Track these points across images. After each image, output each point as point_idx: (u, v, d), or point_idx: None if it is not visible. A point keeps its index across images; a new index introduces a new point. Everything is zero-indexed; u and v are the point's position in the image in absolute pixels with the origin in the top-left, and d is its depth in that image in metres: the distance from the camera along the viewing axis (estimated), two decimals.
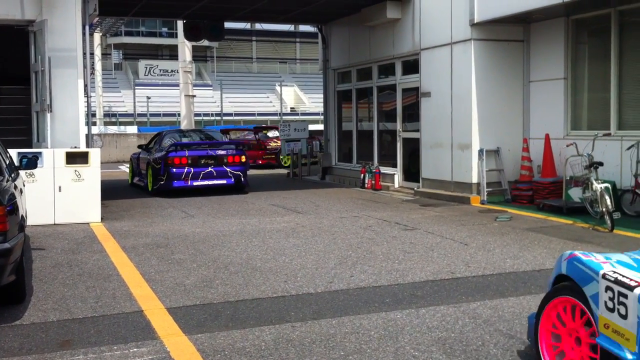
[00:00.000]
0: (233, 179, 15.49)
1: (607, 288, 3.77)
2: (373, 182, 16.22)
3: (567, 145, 11.67)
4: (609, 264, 3.98)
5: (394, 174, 16.08)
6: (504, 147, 13.45)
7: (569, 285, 4.15)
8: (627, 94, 11.86)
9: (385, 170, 16.39)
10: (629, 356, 3.56)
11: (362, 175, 16.64)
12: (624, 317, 3.63)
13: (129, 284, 6.95)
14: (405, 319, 5.67)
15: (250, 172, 22.23)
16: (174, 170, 15.03)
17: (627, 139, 11.27)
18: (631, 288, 3.59)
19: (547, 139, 12.71)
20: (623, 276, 3.72)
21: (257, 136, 25.72)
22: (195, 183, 15.18)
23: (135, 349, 5.01)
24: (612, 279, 3.75)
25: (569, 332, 4.16)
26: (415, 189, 14.92)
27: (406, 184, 15.72)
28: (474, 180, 13.32)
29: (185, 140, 16.55)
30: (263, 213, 12.14)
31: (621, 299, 3.65)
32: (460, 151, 13.63)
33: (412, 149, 15.46)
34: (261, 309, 6.02)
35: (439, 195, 13.95)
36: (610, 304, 3.74)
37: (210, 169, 15.29)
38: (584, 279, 3.99)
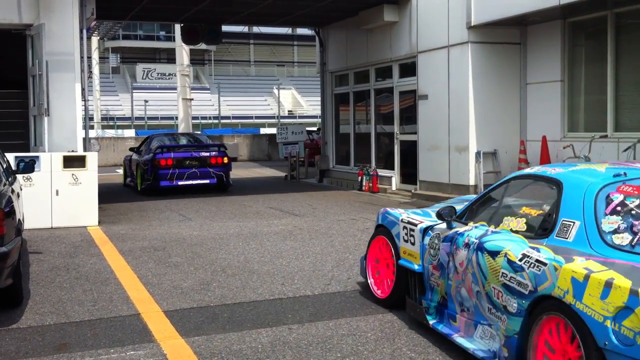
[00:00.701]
0: (216, 179, 16.34)
1: (404, 227, 5.87)
2: (370, 184, 16.23)
3: (564, 147, 11.70)
4: (406, 213, 6.12)
5: (392, 177, 16.10)
6: (501, 149, 13.47)
7: (383, 229, 6.35)
8: (624, 96, 11.89)
9: (382, 172, 16.41)
10: (416, 267, 5.62)
11: (360, 177, 16.66)
12: (413, 244, 5.71)
13: (126, 287, 6.96)
14: (402, 321, 5.68)
15: (249, 174, 22.24)
16: (161, 171, 15.95)
17: (624, 141, 11.30)
18: (416, 225, 5.69)
19: (544, 141, 12.74)
20: (413, 219, 5.83)
21: (310, 136, 25.72)
22: (180, 183, 16.09)
23: (132, 352, 5.01)
24: (406, 221, 5.86)
25: (383, 260, 6.32)
26: (413, 191, 14.94)
27: (404, 187, 15.73)
28: (471, 182, 13.33)
29: (172, 143, 17.37)
30: (260, 216, 12.15)
31: (411, 232, 5.73)
32: (458, 153, 13.65)
33: (410, 152, 15.48)
34: (258, 312, 6.02)
35: (436, 197, 13.94)
36: (405, 237, 5.83)
37: (194, 169, 16.20)
38: (391, 224, 6.17)
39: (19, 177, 9.47)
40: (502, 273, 4.45)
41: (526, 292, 4.20)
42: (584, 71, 12.69)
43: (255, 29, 56.19)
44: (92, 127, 42.34)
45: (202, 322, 5.75)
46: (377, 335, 5.33)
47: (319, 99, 20.74)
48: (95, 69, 52.30)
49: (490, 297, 4.59)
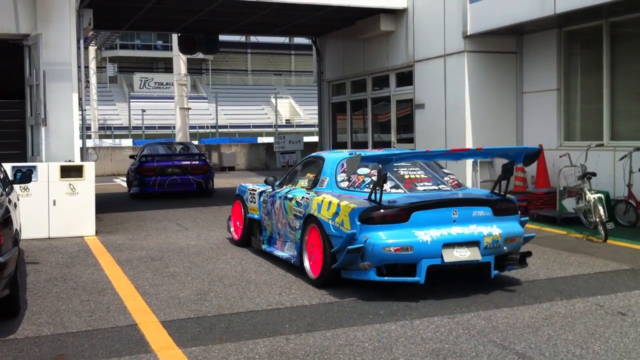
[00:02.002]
0: (195, 185, 17.44)
1: (250, 193, 9.58)
2: None
3: (561, 156, 11.72)
4: (251, 185, 9.88)
5: None
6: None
7: (239, 196, 10.05)
8: (620, 104, 11.93)
9: None
10: (257, 216, 9.22)
11: None
12: (254, 202, 9.33)
13: (123, 298, 6.95)
14: (400, 331, 5.68)
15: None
16: (145, 178, 17.31)
17: (620, 150, 11.33)
18: (256, 190, 9.38)
19: (541, 149, 12.75)
20: (254, 188, 9.53)
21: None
22: (162, 189, 17.36)
23: None
24: (251, 189, 9.60)
25: (240, 216, 10.00)
26: None
27: None
28: None
29: (164, 151, 18.75)
30: None
31: (253, 196, 9.39)
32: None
33: None
34: (255, 322, 6.02)
35: None
36: (251, 199, 9.50)
37: (175, 177, 17.45)
38: (243, 192, 9.92)
39: (16, 187, 9.46)
40: (294, 209, 8.03)
41: (302, 216, 7.77)
42: (579, 80, 12.74)
43: (253, 39, 56.27)
44: (89, 137, 42.29)
45: (199, 332, 5.74)
46: (375, 345, 5.33)
47: (316, 108, 20.78)
48: (93, 79, 52.31)
49: (290, 224, 8.18)
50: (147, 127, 54.99)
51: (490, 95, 13.48)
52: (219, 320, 6.08)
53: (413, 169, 7.96)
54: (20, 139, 12.62)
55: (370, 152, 8.58)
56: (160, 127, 55.80)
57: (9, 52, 12.81)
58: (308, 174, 8.56)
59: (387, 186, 7.32)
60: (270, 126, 59.67)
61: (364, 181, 7.61)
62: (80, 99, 12.11)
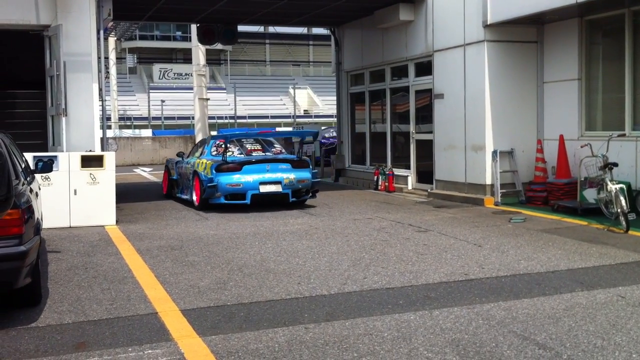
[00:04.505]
0: None
1: (171, 163, 15.52)
2: (386, 183, 16.21)
3: (582, 146, 11.62)
4: (172, 158, 15.80)
5: (408, 176, 16.06)
6: (517, 149, 13.40)
7: (166, 165, 15.95)
8: None
9: (398, 172, 16.38)
10: (175, 177, 15.01)
11: (376, 177, 16.64)
12: (174, 168, 15.08)
13: (143, 286, 7.00)
14: (419, 321, 5.67)
15: None
16: None
17: None
18: (174, 161, 15.28)
19: (562, 140, 12.66)
20: (173, 159, 15.50)
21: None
22: None
23: (149, 351, 5.04)
24: (172, 160, 15.56)
25: (166, 178, 15.76)
26: (429, 190, 14.89)
27: (420, 186, 15.69)
28: (488, 181, 13.28)
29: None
30: (276, 215, 12.17)
31: (173, 164, 15.33)
32: (474, 152, 13.60)
33: (426, 151, 15.43)
34: (275, 311, 6.03)
35: (452, 196, 13.92)
36: (171, 167, 15.32)
37: None
38: (168, 162, 15.89)
39: (38, 176, 9.55)
40: (189, 169, 13.66)
41: (192, 172, 13.46)
42: (601, 69, 12.60)
43: (271, 29, 56.23)
44: (109, 127, 42.55)
45: (219, 321, 5.77)
46: (394, 335, 5.32)
47: (335, 98, 20.73)
48: (113, 70, 52.56)
49: (188, 178, 13.74)
50: (166, 118, 55.27)
51: (510, 85, 13.37)
52: (239, 309, 6.10)
53: (255, 144, 13.80)
54: (41, 129, 12.72)
55: (224, 133, 15.88)
56: (179, 118, 56.09)
57: (29, 43, 12.90)
58: (199, 149, 14.15)
59: (236, 153, 13.29)
60: (288, 116, 59.74)
61: (224, 152, 13.00)
62: (100, 89, 12.17)
